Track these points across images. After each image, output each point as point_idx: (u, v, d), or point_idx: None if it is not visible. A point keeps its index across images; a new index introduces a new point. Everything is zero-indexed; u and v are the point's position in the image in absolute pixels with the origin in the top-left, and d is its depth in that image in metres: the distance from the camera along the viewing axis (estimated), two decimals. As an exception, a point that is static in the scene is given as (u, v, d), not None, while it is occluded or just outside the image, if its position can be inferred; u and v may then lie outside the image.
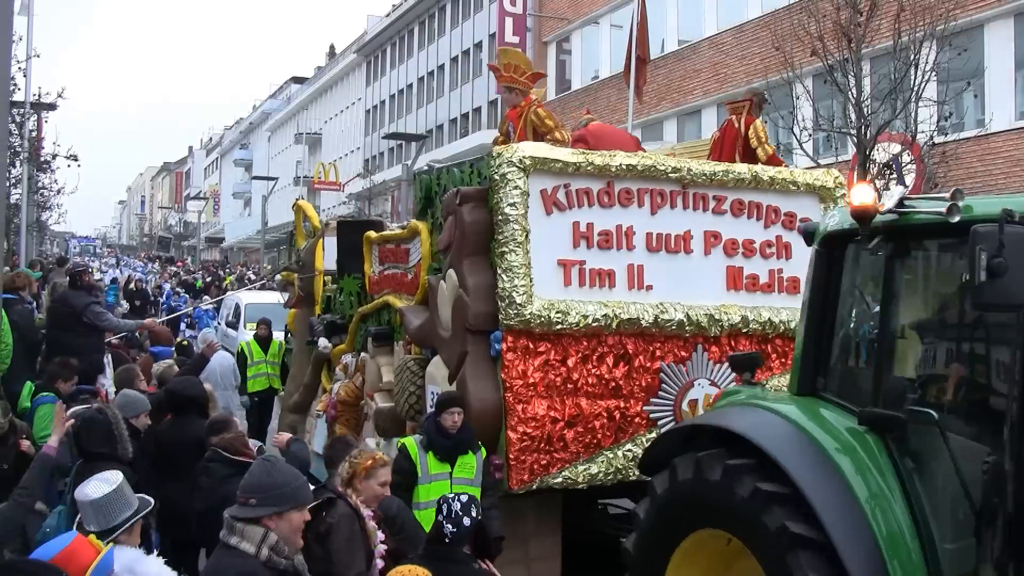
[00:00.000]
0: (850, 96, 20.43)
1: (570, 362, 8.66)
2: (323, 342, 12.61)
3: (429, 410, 9.19)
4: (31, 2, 30.71)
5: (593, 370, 8.74)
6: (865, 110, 20.33)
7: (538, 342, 8.57)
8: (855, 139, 20.40)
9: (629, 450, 8.85)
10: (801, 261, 9.39)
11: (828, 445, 6.12)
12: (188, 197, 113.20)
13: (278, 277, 19.09)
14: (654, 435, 8.86)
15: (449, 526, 6.26)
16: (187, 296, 29.36)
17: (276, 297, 19.20)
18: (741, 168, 9.45)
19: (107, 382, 12.37)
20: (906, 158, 21.03)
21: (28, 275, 15.52)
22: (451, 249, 8.92)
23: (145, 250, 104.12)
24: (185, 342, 18.09)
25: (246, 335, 19.78)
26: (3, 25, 7.71)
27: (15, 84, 28.38)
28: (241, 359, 15.99)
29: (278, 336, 16.29)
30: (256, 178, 78.55)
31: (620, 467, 8.80)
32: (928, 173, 21.39)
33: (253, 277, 51.78)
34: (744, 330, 9.23)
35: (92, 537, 4.97)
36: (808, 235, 6.79)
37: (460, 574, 5.83)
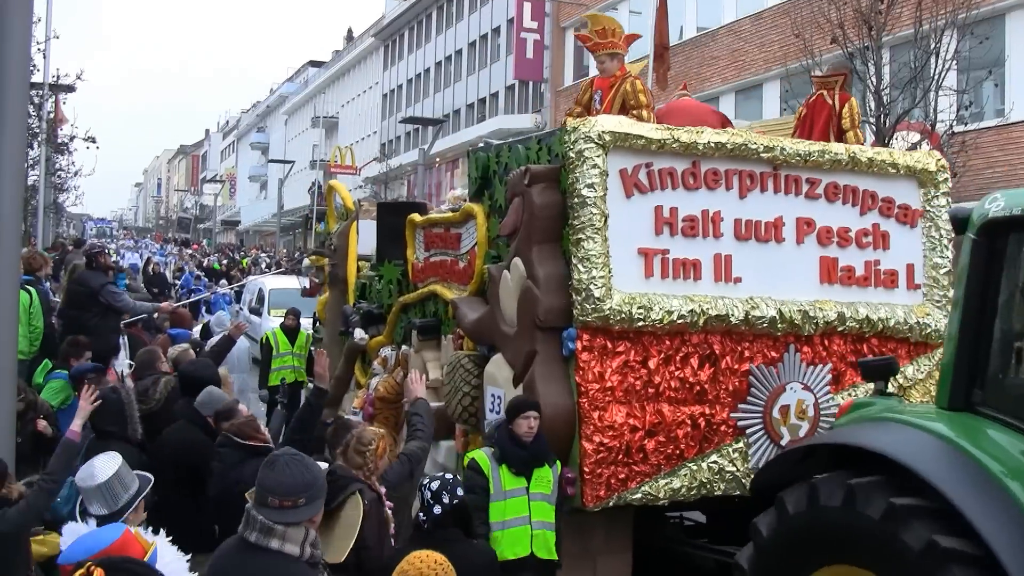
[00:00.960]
0: (870, 84, 19.70)
1: (651, 363, 7.58)
2: (359, 333, 11.51)
3: (489, 414, 8.11)
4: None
5: (676, 372, 7.66)
6: (885, 99, 19.60)
7: (617, 341, 7.48)
8: (874, 128, 19.56)
9: (715, 462, 7.78)
10: (900, 252, 8.41)
11: (995, 468, 5.05)
12: (204, 180, 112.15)
13: (306, 262, 17.96)
14: (741, 445, 7.85)
15: (421, 515, 6.13)
16: (206, 280, 28.21)
17: (300, 283, 18.22)
18: (838, 148, 8.34)
19: (123, 363, 12.30)
20: (925, 147, 20.08)
21: (45, 256, 14.70)
22: (517, 235, 7.82)
23: (160, 232, 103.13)
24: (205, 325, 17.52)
25: (270, 322, 18.68)
26: (23, 6, 7.53)
27: (34, 65, 27.60)
28: (266, 349, 14.89)
29: (305, 324, 15.23)
30: (272, 161, 77.46)
31: (704, 481, 7.73)
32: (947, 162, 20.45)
33: (268, 260, 50.84)
34: (840, 328, 8.14)
35: (138, 532, 4.86)
36: (960, 222, 5.66)
37: (451, 554, 5.38)
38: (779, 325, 7.89)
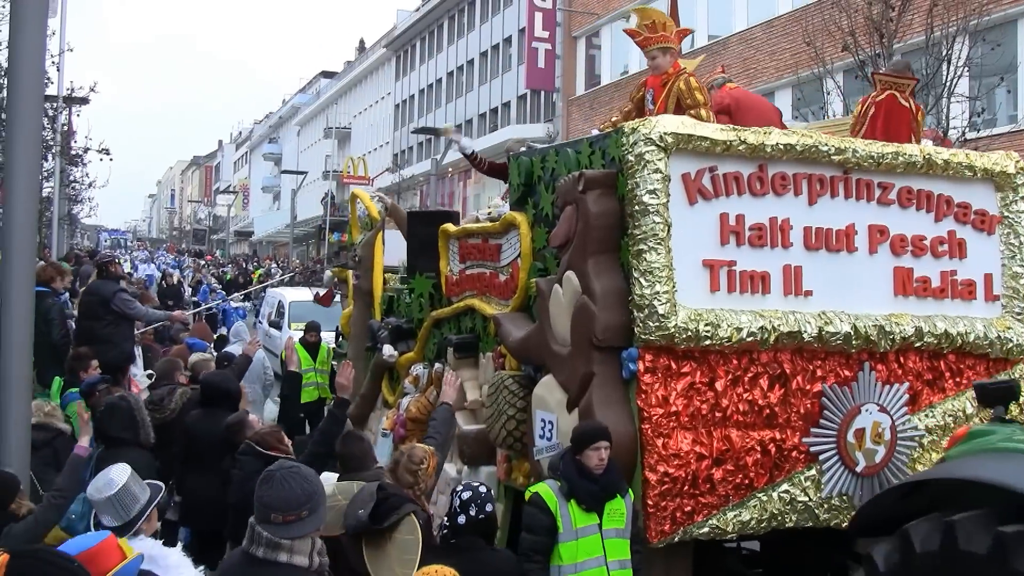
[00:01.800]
0: None
1: (718, 385, 6.86)
2: (388, 349, 10.77)
3: (539, 441, 7.39)
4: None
5: (744, 394, 6.93)
6: None
7: (681, 361, 6.76)
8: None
9: (786, 491, 7.05)
10: (977, 261, 7.70)
11: None
12: (217, 191, 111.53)
13: (328, 274, 17.22)
14: (813, 472, 7.11)
15: (446, 519, 5.91)
16: (223, 293, 27.43)
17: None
18: (912, 149, 7.60)
19: (139, 372, 12.45)
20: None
21: (61, 267, 14.15)
22: (570, 246, 7.10)
23: (174, 243, 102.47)
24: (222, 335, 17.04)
25: (291, 335, 17.92)
26: (38, 21, 7.52)
27: (48, 78, 27.34)
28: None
29: (326, 338, 14.50)
30: (285, 172, 76.82)
31: (775, 512, 7.00)
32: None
33: (280, 271, 50.14)
34: (917, 344, 7.40)
35: (124, 541, 4.84)
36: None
37: (472, 561, 5.41)
38: (854, 342, 7.16)
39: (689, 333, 6.63)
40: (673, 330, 6.59)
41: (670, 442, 6.68)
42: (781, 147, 7.04)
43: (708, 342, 6.71)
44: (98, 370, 10.48)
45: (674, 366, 6.73)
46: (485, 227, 9.03)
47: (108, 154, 34.02)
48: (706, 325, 6.68)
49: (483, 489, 6.10)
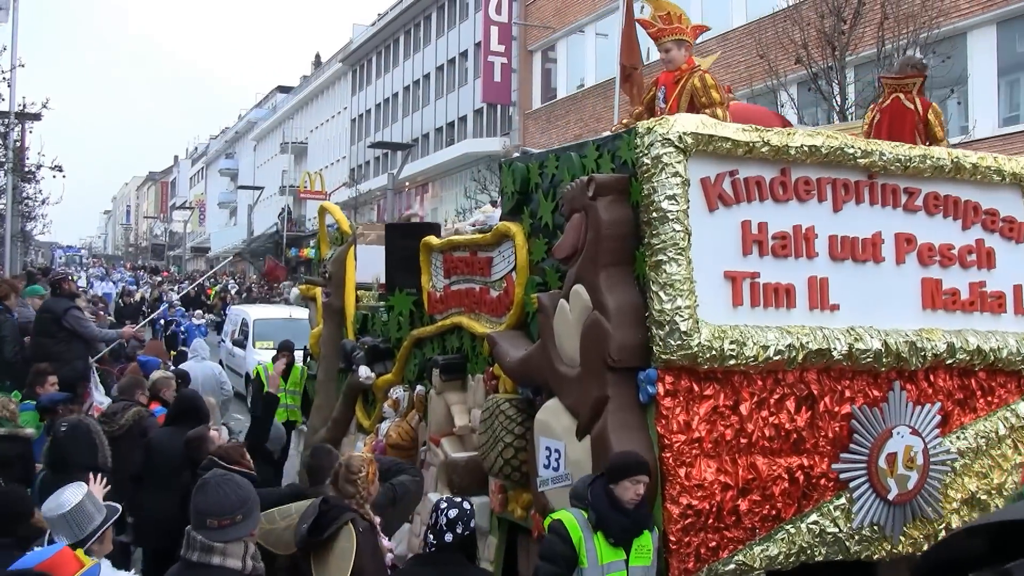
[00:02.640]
0: (834, 103, 19.65)
1: (743, 408, 6.17)
2: (364, 371, 10.03)
3: (544, 471, 6.67)
4: (15, 12, 28.22)
5: (770, 418, 6.26)
6: (850, 117, 19.13)
7: (704, 383, 6.07)
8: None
9: (815, 523, 6.37)
10: (1006, 271, 7.09)
11: None
12: (173, 207, 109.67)
13: (295, 291, 16.35)
14: (843, 501, 6.44)
15: (431, 536, 5.66)
16: (182, 310, 26.33)
17: (287, 312, 16.57)
18: (940, 153, 6.99)
19: (100, 397, 12.05)
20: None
21: (14, 283, 13.77)
22: (577, 257, 6.38)
23: (131, 260, 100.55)
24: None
25: (256, 355, 16.89)
26: None
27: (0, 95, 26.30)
28: (256, 386, 13.29)
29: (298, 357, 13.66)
30: (242, 187, 75.58)
31: (804, 545, 6.32)
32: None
33: (237, 286, 49.01)
34: (949, 361, 6.77)
35: (80, 552, 4.89)
36: None
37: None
38: (884, 359, 6.51)
39: (713, 352, 5.94)
40: (696, 349, 5.90)
41: (693, 471, 6.00)
42: (806, 149, 6.40)
43: (733, 362, 6.03)
44: (55, 386, 10.28)
45: (696, 388, 6.04)
46: (474, 239, 8.33)
47: (61, 171, 33.12)
48: (731, 343, 6.00)
49: (467, 506, 5.79)
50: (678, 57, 7.34)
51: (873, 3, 20.01)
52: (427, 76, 56.06)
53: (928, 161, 6.83)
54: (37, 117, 33.12)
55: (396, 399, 9.54)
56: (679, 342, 5.89)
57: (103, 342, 13.59)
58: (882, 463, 6.53)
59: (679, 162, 6.00)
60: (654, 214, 5.98)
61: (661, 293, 5.93)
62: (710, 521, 6.04)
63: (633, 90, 14.16)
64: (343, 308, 11.36)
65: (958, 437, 6.87)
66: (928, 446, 6.67)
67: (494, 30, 44.75)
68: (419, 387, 9.20)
